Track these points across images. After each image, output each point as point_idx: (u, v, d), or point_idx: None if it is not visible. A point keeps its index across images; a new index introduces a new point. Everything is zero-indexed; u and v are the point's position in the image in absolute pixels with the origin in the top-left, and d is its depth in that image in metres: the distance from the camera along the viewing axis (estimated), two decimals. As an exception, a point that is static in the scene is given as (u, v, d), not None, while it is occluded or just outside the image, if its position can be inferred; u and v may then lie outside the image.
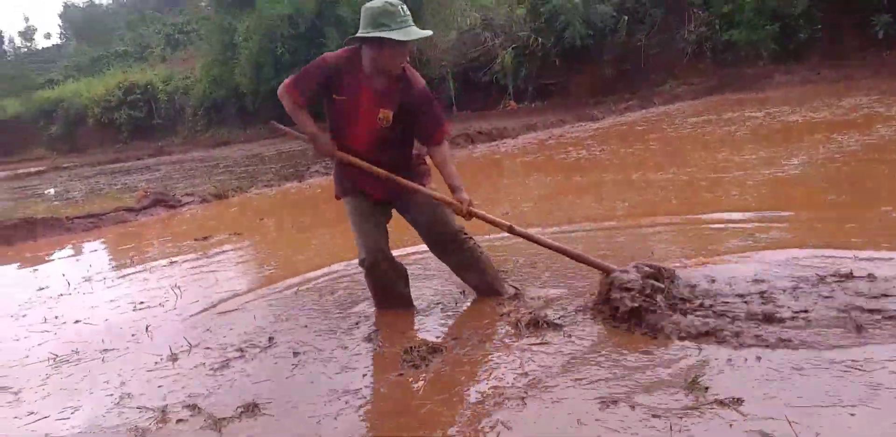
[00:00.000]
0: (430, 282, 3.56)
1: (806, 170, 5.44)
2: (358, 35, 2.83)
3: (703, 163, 6.46)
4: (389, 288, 3.13)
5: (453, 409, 2.20)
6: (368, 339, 2.88)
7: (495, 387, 2.27)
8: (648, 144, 8.59)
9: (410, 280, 3.23)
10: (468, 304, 3.18)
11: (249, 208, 7.51)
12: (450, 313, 3.11)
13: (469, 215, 2.91)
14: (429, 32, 2.92)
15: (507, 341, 2.67)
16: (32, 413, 2.50)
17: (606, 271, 2.84)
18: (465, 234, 3.10)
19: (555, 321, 2.75)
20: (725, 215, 4.30)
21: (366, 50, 2.84)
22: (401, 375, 2.47)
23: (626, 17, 19.81)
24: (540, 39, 20.84)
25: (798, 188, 4.97)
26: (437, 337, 2.84)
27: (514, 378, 2.31)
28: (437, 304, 3.24)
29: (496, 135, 12.50)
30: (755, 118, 9.45)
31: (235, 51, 26.45)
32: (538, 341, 2.59)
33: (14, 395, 2.69)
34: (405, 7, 2.77)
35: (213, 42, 28.93)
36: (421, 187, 2.96)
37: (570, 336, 2.61)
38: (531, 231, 3.18)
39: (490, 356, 2.56)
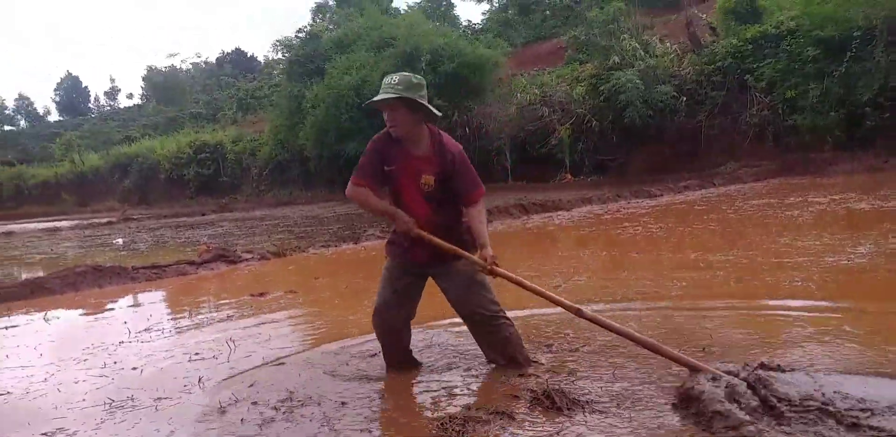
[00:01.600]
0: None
1: (875, 260, 5.26)
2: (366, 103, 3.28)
3: (764, 246, 6.32)
4: (390, 343, 3.31)
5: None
6: (401, 406, 2.88)
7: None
8: (708, 224, 8.49)
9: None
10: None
11: (306, 267, 7.65)
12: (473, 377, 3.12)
13: (491, 273, 3.03)
14: (389, 96, 3.05)
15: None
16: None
17: (694, 369, 2.68)
18: (500, 316, 3.19)
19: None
20: (787, 302, 4.15)
21: None
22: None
23: (686, 98, 20.02)
24: (597, 118, 21.23)
25: (865, 278, 4.80)
26: (468, 407, 2.79)
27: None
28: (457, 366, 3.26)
29: (551, 206, 12.55)
30: (819, 204, 9.28)
31: (302, 116, 27.70)
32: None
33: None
34: (395, 78, 3.11)
35: (282, 107, 30.44)
36: (464, 253, 3.10)
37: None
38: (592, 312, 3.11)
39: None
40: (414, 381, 3.19)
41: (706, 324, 3.79)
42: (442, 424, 2.55)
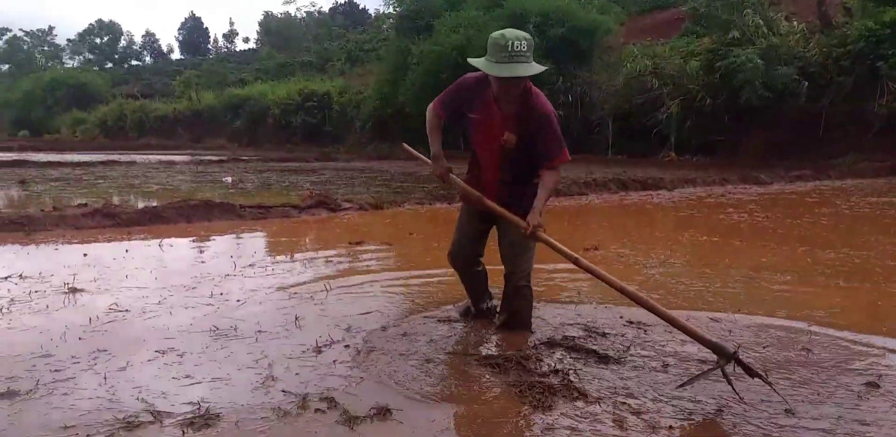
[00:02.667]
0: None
1: None
2: (469, 60, 2.99)
3: (881, 247, 5.94)
4: (469, 282, 3.54)
5: None
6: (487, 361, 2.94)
7: None
8: (819, 218, 8.05)
9: None
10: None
11: (401, 222, 7.83)
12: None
13: (533, 237, 3.02)
14: (533, 71, 2.85)
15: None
16: (189, 377, 2.73)
17: (716, 350, 2.57)
18: (523, 285, 3.27)
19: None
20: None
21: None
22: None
23: (808, 82, 18.74)
24: (709, 95, 20.23)
25: None
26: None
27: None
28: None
29: (651, 184, 12.21)
30: (948, 207, 8.61)
31: (406, 72, 27.85)
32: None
33: (179, 357, 2.95)
34: (521, 42, 2.82)
35: (387, 62, 30.70)
36: (505, 213, 3.11)
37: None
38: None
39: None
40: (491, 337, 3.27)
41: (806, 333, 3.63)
42: (521, 391, 2.61)
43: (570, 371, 2.79)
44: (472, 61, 2.95)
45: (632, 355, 3.05)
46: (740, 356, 2.52)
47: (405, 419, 2.37)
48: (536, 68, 2.86)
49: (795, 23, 21.27)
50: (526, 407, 2.47)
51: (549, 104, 3.10)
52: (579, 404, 2.49)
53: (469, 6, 27.49)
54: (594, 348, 3.11)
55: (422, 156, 3.62)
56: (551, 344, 3.17)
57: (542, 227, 3.01)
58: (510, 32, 2.86)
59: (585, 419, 2.38)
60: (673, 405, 2.49)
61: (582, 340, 3.23)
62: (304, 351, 3.07)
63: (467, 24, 26.15)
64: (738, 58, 18.95)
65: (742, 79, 18.81)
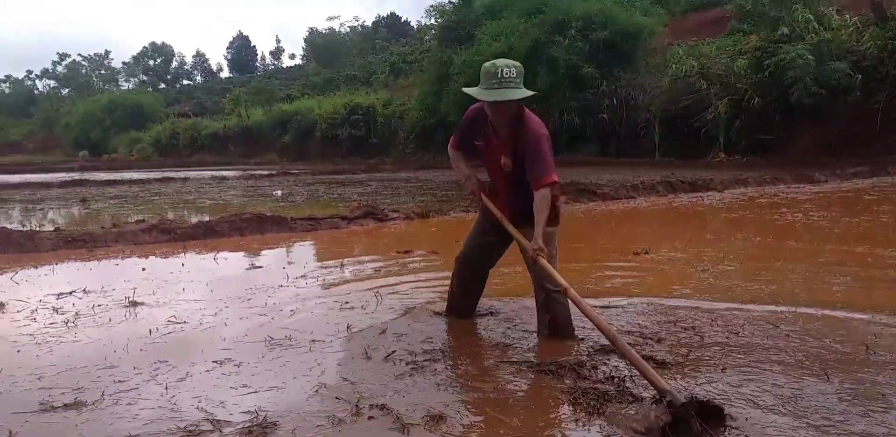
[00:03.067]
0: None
1: None
2: (464, 89, 3.28)
3: (948, 245, 5.71)
4: (462, 288, 3.68)
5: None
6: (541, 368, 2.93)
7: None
8: (879, 215, 7.78)
9: None
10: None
11: (447, 230, 7.87)
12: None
13: (533, 261, 3.11)
14: (520, 95, 3.06)
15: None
16: (246, 386, 2.79)
17: (661, 392, 2.34)
18: (552, 291, 3.23)
19: None
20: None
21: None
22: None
23: (863, 77, 18.12)
24: (758, 94, 19.76)
25: None
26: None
27: None
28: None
29: (700, 186, 12.00)
30: None
31: (448, 82, 28.02)
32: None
33: (235, 367, 3.03)
34: (510, 69, 3.05)
35: (430, 73, 30.95)
36: (517, 236, 3.22)
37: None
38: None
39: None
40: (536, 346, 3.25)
41: (871, 334, 3.50)
42: (574, 398, 2.59)
43: (626, 378, 2.77)
44: (466, 90, 3.19)
45: (691, 359, 3.00)
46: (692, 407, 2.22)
47: (459, 426, 2.38)
48: (524, 93, 3.07)
49: (848, 16, 20.63)
50: (581, 413, 2.46)
51: (542, 127, 3.22)
52: (632, 410, 2.46)
53: (510, 14, 27.53)
54: (651, 354, 3.06)
55: (459, 163, 3.64)
56: (606, 351, 3.14)
57: (543, 251, 3.06)
58: (500, 61, 3.10)
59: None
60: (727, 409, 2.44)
61: (639, 346, 3.18)
62: (356, 359, 3.11)
63: (508, 32, 26.20)
64: (787, 55, 18.47)
65: (792, 76, 18.32)
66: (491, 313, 3.88)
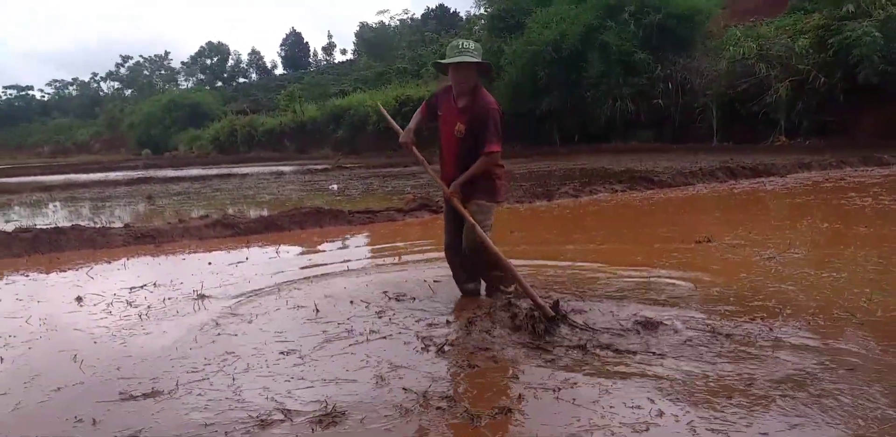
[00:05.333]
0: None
1: None
2: (433, 62, 4.41)
3: None
4: (454, 271, 4.18)
5: None
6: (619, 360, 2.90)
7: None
8: (955, 198, 7.40)
9: None
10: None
11: (500, 220, 7.81)
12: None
13: (448, 200, 3.90)
14: (473, 59, 3.69)
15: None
16: (313, 376, 2.85)
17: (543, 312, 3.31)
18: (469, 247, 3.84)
19: None
20: None
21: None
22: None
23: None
24: (822, 73, 18.97)
25: None
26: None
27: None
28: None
29: (762, 171, 11.64)
30: None
31: (500, 73, 27.83)
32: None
33: (300, 358, 3.11)
34: (468, 42, 3.76)
35: (480, 63, 30.72)
36: (435, 177, 4.07)
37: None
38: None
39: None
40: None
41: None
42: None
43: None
44: (436, 61, 3.95)
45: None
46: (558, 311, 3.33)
47: (527, 417, 2.38)
48: (477, 59, 3.71)
49: (919, -11, 19.57)
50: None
51: (494, 102, 3.83)
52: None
53: (559, 1, 27.13)
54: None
55: (392, 121, 4.38)
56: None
57: (457, 195, 3.82)
58: (460, 39, 3.87)
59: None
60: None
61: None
62: (418, 350, 3.15)
63: (559, 19, 25.84)
64: (853, 32, 17.68)
65: (858, 54, 17.54)
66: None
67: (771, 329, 3.22)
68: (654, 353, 2.97)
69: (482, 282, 4.16)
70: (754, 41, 21.78)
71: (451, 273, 4.26)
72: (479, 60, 3.74)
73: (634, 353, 2.99)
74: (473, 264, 4.01)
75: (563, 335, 3.25)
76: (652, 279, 4.34)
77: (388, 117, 4.54)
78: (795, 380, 2.61)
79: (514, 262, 4.92)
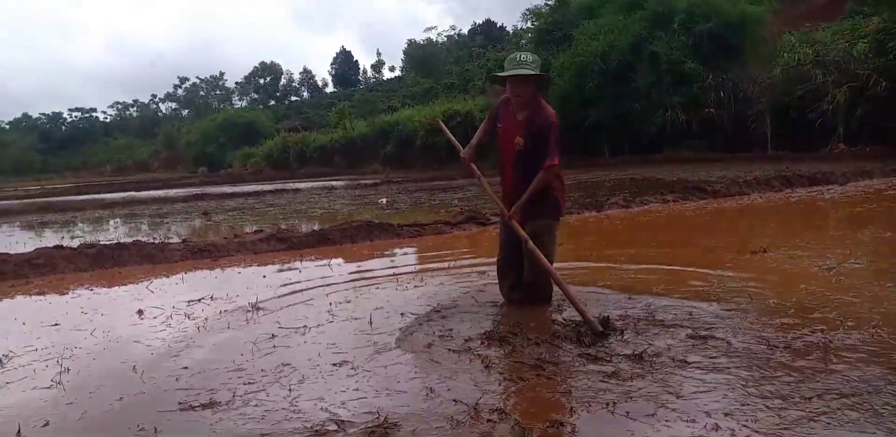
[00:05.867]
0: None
1: None
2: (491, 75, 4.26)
3: None
4: (501, 281, 4.23)
5: None
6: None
7: None
8: None
9: None
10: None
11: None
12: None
13: (508, 222, 3.93)
14: (530, 72, 3.72)
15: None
16: (364, 388, 2.87)
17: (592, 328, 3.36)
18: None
19: None
20: None
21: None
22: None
23: None
24: (883, 78, 18.32)
25: None
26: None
27: None
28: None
29: (820, 179, 11.31)
30: None
31: (549, 85, 27.70)
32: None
33: (352, 370, 3.14)
34: (526, 55, 3.79)
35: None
36: (493, 195, 4.11)
37: None
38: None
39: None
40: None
41: None
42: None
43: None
44: (490, 74, 4.10)
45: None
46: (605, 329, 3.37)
47: (579, 432, 2.37)
48: (536, 71, 3.74)
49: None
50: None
51: (554, 114, 3.82)
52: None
53: (607, 12, 27.02)
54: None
55: (452, 137, 4.38)
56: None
57: (516, 215, 3.84)
58: (518, 52, 3.92)
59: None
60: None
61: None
62: (468, 361, 3.15)
63: (607, 30, 25.72)
64: (913, 34, 17.07)
65: (921, 57, 16.90)
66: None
67: (831, 342, 3.12)
68: (708, 365, 2.91)
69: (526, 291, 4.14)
70: (810, 47, 21.22)
71: (496, 283, 4.28)
72: (537, 72, 3.75)
73: (689, 364, 2.93)
74: (532, 287, 4.03)
75: (618, 345, 3.21)
76: (707, 290, 4.25)
77: (448, 133, 4.52)
78: (856, 394, 2.52)
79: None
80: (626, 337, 3.38)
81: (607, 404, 2.57)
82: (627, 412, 2.48)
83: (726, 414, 2.41)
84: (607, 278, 4.84)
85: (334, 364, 3.23)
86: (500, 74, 3.79)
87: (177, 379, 3.14)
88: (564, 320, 3.75)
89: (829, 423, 2.31)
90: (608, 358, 3.08)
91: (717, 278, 4.61)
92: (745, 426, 2.32)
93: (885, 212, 7.71)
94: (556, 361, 3.11)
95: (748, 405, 2.49)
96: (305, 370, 3.16)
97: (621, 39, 25.00)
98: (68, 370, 3.39)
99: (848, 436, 2.21)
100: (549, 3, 33.12)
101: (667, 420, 2.40)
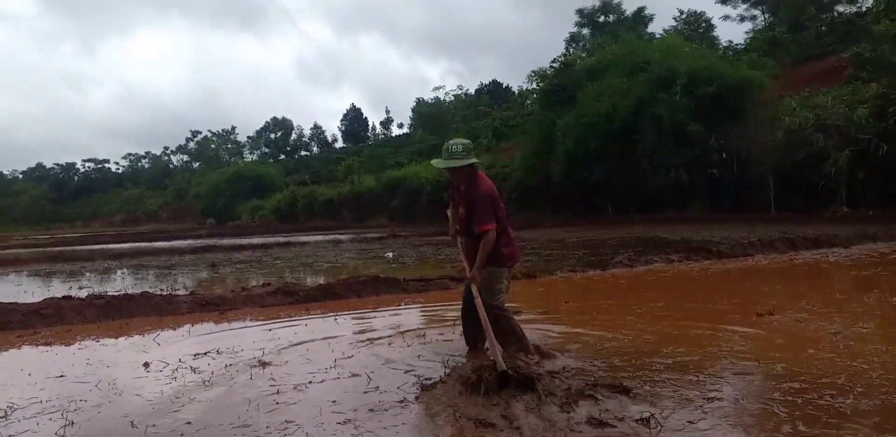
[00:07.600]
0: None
1: None
2: (431, 162, 4.65)
3: None
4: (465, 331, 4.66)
5: None
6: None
7: None
8: None
9: None
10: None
11: (554, 290, 7.83)
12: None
13: (470, 283, 4.25)
14: (459, 164, 4.17)
15: None
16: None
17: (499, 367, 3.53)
18: (495, 309, 4.22)
19: None
20: None
21: None
22: None
23: None
24: (884, 143, 18.64)
25: None
26: None
27: None
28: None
29: (823, 242, 11.35)
30: None
31: (552, 144, 28.36)
32: None
33: (356, 430, 3.13)
34: (457, 145, 4.19)
35: (532, 135, 31.53)
36: (466, 263, 4.41)
37: None
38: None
39: None
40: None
41: None
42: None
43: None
44: (432, 162, 4.49)
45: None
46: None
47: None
48: (463, 162, 4.17)
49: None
50: None
51: (486, 187, 4.28)
52: None
53: (610, 75, 27.77)
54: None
55: (451, 220, 4.67)
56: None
57: (476, 280, 4.19)
58: (451, 141, 4.28)
59: None
60: None
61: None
62: (471, 421, 3.15)
63: (611, 92, 26.37)
64: (914, 101, 17.46)
65: (921, 123, 17.23)
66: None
67: (841, 408, 3.12)
68: (716, 431, 2.91)
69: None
70: (811, 111, 21.68)
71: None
72: (465, 163, 4.17)
73: (700, 430, 2.92)
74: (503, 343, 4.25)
75: (623, 409, 3.22)
76: (712, 354, 4.25)
77: (451, 217, 4.78)
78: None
79: (564, 329, 4.96)
80: (633, 397, 3.38)
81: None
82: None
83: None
84: (612, 340, 4.84)
85: (339, 423, 3.23)
86: (436, 165, 4.29)
87: (181, 435, 3.14)
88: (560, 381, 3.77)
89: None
90: (614, 424, 3.07)
91: (724, 341, 4.62)
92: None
93: (891, 276, 7.73)
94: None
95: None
96: (310, 428, 3.16)
97: (625, 101, 25.61)
98: (73, 423, 3.40)
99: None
100: (555, 65, 34.08)
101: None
